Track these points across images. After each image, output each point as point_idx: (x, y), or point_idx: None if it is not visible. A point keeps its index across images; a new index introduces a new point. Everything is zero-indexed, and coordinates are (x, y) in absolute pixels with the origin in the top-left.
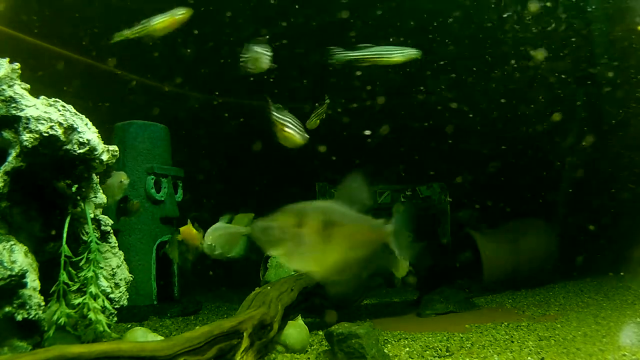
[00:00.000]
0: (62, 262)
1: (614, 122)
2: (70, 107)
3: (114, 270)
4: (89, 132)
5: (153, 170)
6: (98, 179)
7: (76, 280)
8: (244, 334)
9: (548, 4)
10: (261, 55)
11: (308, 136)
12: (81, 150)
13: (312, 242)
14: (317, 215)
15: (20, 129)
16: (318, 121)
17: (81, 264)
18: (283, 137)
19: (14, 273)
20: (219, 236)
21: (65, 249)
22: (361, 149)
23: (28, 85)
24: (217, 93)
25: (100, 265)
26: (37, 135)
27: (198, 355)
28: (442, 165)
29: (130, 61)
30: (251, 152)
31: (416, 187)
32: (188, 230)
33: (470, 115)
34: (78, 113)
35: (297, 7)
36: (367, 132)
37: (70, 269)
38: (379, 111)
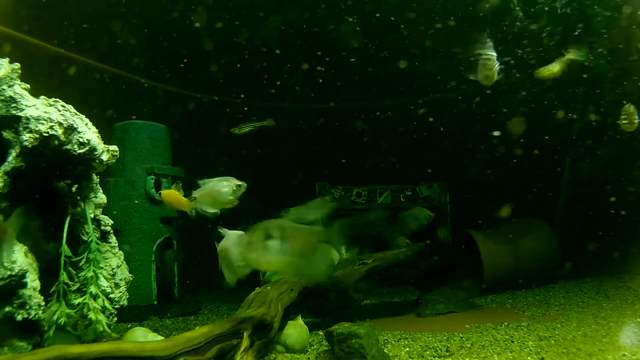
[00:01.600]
0: (62, 262)
1: (615, 122)
2: (70, 107)
3: (114, 270)
4: (89, 132)
5: (153, 170)
6: (98, 179)
7: (76, 280)
8: (244, 334)
9: None
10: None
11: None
12: (81, 150)
13: None
14: None
15: (20, 129)
16: (247, 129)
17: (81, 264)
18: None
19: (14, 273)
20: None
21: (65, 249)
22: (362, 149)
23: (28, 85)
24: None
25: (100, 265)
26: (37, 135)
27: (198, 355)
28: (443, 166)
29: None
30: (251, 151)
31: (416, 187)
32: (173, 195)
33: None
34: (78, 113)
35: None
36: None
37: (70, 269)
38: (382, 113)
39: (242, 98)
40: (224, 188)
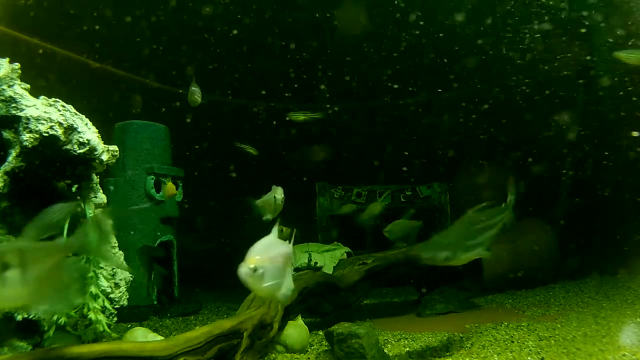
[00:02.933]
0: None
1: (615, 121)
2: (70, 107)
3: (114, 270)
4: (89, 132)
5: (153, 170)
6: (98, 179)
7: None
8: (244, 334)
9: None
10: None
11: None
12: (81, 150)
13: None
14: None
15: (20, 129)
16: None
17: None
18: None
19: None
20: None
21: None
22: (362, 150)
23: (28, 85)
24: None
25: (100, 265)
26: (37, 135)
27: (198, 355)
28: (443, 166)
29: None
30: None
31: (416, 187)
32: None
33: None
34: (78, 113)
35: None
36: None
37: None
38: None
39: (243, 99)
40: (278, 196)
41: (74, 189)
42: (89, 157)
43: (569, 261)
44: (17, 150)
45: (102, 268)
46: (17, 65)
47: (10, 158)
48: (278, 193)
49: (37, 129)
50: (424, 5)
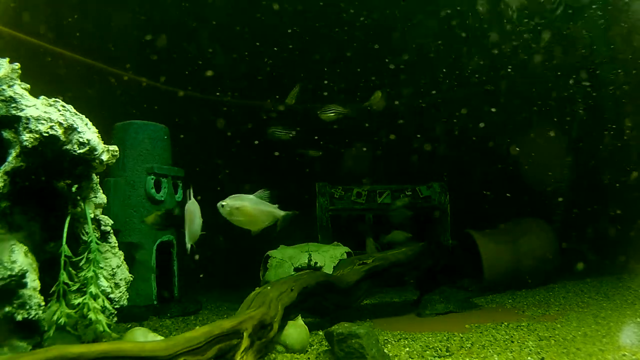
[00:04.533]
0: (62, 262)
1: (615, 123)
2: (70, 107)
3: (114, 270)
4: (89, 132)
5: (153, 170)
6: (98, 179)
7: (76, 280)
8: (244, 334)
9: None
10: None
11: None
12: (81, 150)
13: None
14: None
15: (20, 129)
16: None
17: (81, 264)
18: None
19: (14, 273)
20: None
21: (65, 249)
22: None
23: (28, 85)
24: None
25: (100, 265)
26: (37, 135)
27: (198, 355)
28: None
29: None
30: (250, 151)
31: (416, 187)
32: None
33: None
34: (78, 113)
35: None
36: None
37: (70, 269)
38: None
39: (242, 98)
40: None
41: (74, 189)
42: (89, 157)
43: (569, 261)
44: (17, 150)
45: (102, 268)
46: (17, 65)
47: (10, 158)
48: (230, 201)
49: (37, 129)
50: None
